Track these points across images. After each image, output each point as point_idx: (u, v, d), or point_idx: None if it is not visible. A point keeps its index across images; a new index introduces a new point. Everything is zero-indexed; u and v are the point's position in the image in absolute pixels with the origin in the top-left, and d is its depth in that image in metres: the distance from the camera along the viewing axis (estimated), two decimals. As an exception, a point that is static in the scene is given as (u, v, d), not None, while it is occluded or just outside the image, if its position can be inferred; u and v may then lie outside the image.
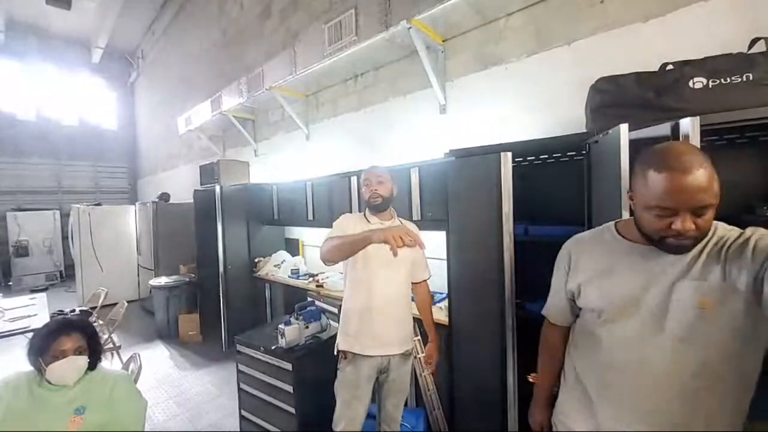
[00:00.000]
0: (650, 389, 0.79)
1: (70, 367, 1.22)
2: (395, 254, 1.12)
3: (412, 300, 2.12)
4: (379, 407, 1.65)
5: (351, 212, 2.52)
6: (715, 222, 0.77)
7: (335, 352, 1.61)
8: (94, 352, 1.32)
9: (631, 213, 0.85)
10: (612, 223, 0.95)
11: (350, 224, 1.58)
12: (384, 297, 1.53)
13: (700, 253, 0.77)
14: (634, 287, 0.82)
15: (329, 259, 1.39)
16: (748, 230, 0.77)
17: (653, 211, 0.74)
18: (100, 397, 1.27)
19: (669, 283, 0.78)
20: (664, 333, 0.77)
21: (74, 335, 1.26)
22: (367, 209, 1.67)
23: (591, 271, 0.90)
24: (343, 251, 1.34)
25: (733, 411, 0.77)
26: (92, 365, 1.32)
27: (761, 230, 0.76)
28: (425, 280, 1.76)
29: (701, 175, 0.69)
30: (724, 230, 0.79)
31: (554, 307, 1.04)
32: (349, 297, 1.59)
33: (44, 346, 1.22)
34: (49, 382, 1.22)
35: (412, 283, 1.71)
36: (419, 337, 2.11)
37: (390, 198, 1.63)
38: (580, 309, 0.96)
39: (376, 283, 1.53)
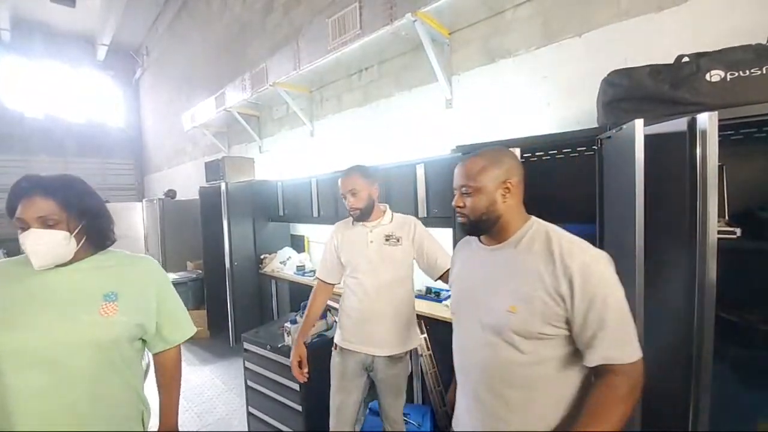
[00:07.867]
0: (471, 375, 0.93)
1: (35, 242, 0.86)
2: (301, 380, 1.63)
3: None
4: (379, 404, 1.66)
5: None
6: (540, 221, 0.91)
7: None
8: (90, 227, 0.95)
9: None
10: None
11: (336, 236, 1.68)
12: (371, 300, 1.55)
13: (516, 254, 0.88)
14: (470, 286, 0.97)
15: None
16: (554, 238, 0.84)
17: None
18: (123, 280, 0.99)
19: (496, 282, 0.89)
20: (482, 330, 0.88)
21: (38, 200, 0.87)
22: None
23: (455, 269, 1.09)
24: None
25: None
26: (97, 243, 0.99)
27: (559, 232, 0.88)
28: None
29: (470, 164, 0.89)
30: (543, 229, 0.89)
31: None
32: (343, 296, 1.67)
33: (10, 210, 0.90)
34: None
35: (439, 278, 1.65)
36: (426, 335, 2.10)
37: (369, 207, 1.56)
38: None
39: (362, 287, 1.56)
